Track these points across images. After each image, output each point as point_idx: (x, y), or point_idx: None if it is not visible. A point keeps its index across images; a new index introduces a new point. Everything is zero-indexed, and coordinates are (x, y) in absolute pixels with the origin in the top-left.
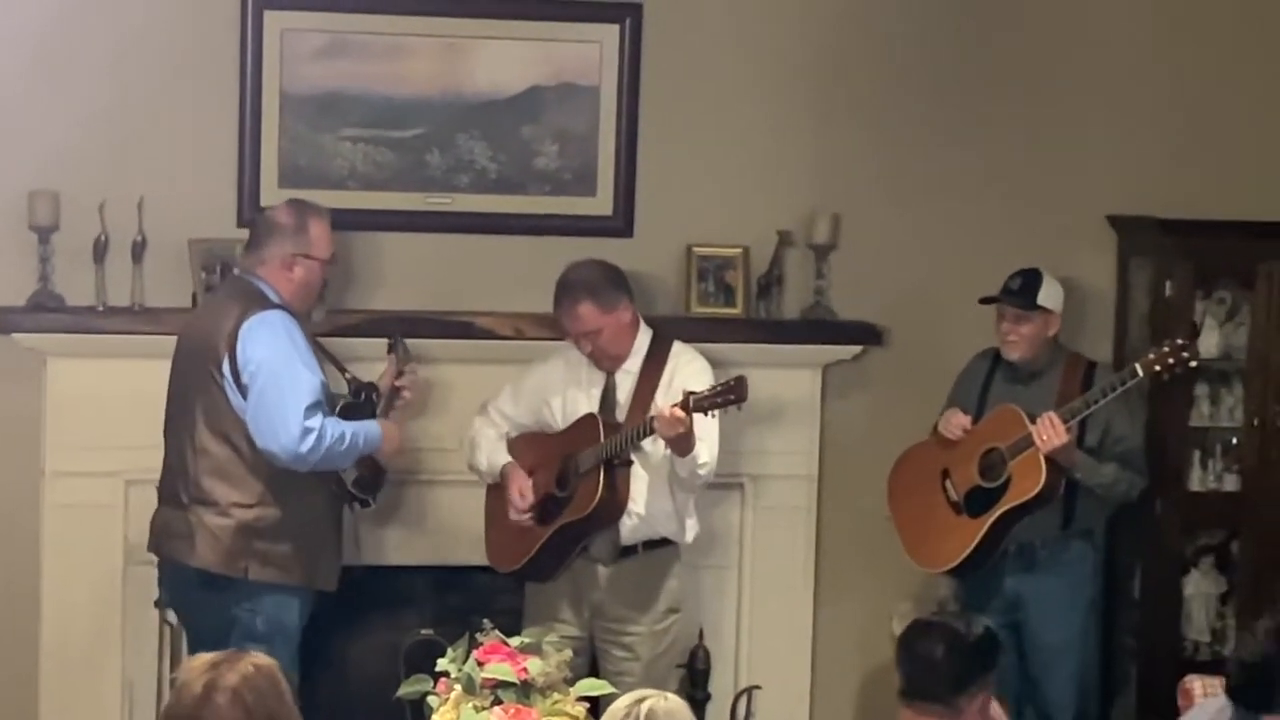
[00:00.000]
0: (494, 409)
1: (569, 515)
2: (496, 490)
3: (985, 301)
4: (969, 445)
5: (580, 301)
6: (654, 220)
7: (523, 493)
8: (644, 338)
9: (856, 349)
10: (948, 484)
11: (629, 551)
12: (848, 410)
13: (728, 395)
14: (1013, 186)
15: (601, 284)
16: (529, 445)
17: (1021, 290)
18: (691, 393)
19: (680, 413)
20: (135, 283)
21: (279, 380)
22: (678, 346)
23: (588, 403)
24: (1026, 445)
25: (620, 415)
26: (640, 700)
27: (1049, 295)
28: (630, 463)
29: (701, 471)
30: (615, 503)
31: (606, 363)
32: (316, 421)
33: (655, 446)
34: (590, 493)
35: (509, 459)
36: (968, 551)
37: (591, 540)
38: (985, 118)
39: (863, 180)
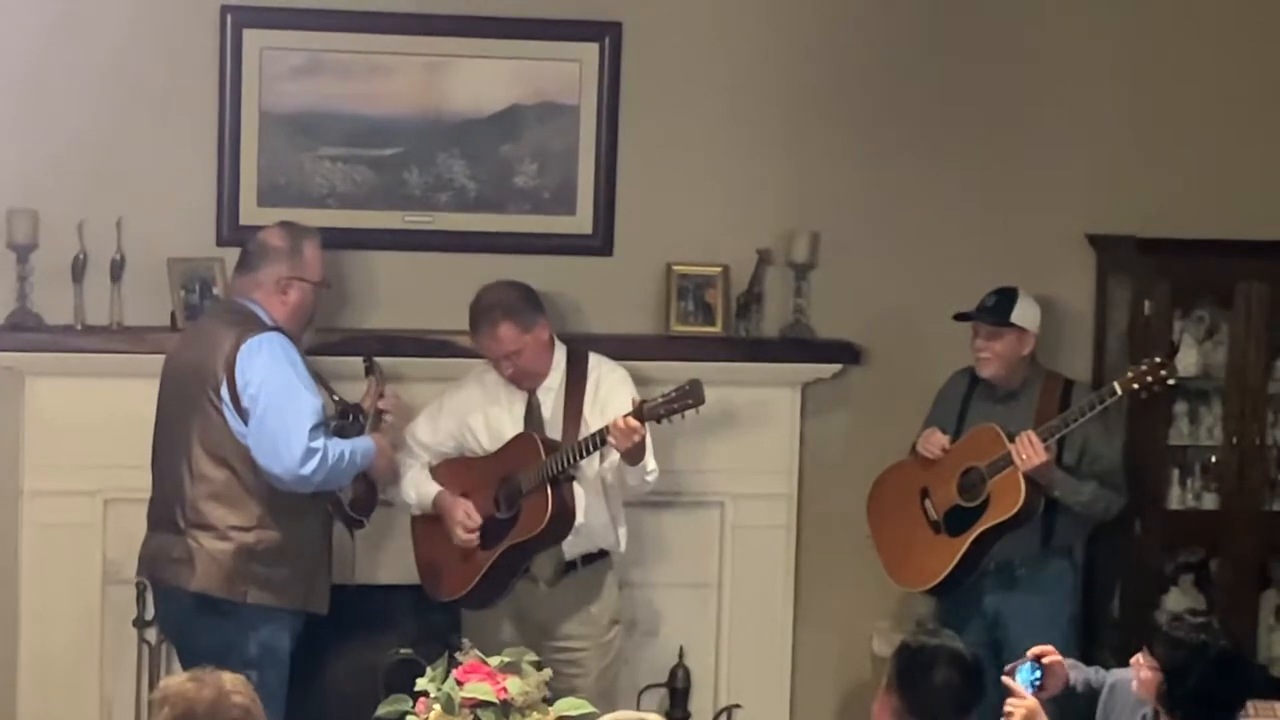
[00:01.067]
0: (412, 439)
1: (518, 535)
2: (424, 521)
3: (959, 318)
4: (948, 464)
5: (499, 323)
6: (634, 239)
7: (468, 514)
8: (560, 353)
9: (835, 367)
10: (927, 503)
11: (569, 567)
12: (827, 429)
13: (684, 400)
14: (992, 205)
15: (518, 304)
16: (456, 472)
17: (995, 307)
18: (644, 401)
19: (635, 422)
20: (114, 302)
21: (281, 403)
22: (594, 358)
23: (511, 422)
24: (1005, 464)
25: (548, 432)
26: None
27: (1023, 313)
28: (573, 477)
29: (650, 479)
30: (565, 518)
31: (528, 381)
32: (320, 442)
33: (590, 459)
34: (540, 510)
35: (438, 488)
36: (948, 571)
37: (533, 560)
38: (964, 136)
39: (842, 199)
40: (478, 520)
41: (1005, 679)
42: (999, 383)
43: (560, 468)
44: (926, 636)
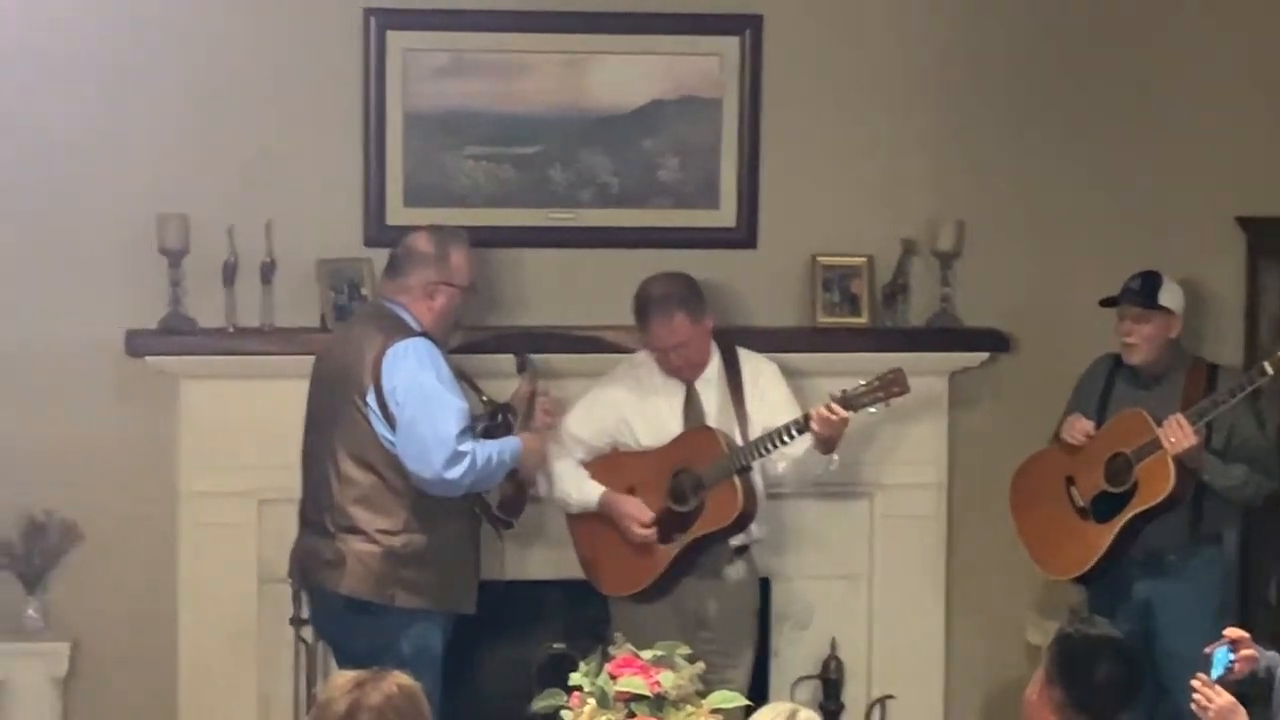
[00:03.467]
0: (566, 435)
1: (703, 528)
2: (588, 519)
3: (1105, 303)
4: (1093, 451)
5: (674, 314)
6: (777, 231)
7: (641, 510)
8: (713, 344)
9: (983, 355)
10: (1073, 490)
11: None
12: (976, 417)
13: (890, 389)
14: (1139, 189)
15: (690, 295)
16: (617, 467)
17: (1142, 290)
18: (846, 390)
19: (843, 410)
20: (265, 304)
21: (429, 408)
22: (742, 351)
23: (671, 414)
24: (1154, 448)
25: (711, 423)
26: (795, 712)
27: (1170, 295)
28: (751, 469)
29: (833, 467)
30: (753, 510)
31: (689, 372)
32: (468, 445)
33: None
34: (729, 502)
35: (601, 487)
36: (1096, 558)
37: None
38: (1110, 119)
39: (986, 186)
40: (651, 514)
41: (1197, 679)
42: (1145, 368)
43: (749, 459)
44: (1086, 627)
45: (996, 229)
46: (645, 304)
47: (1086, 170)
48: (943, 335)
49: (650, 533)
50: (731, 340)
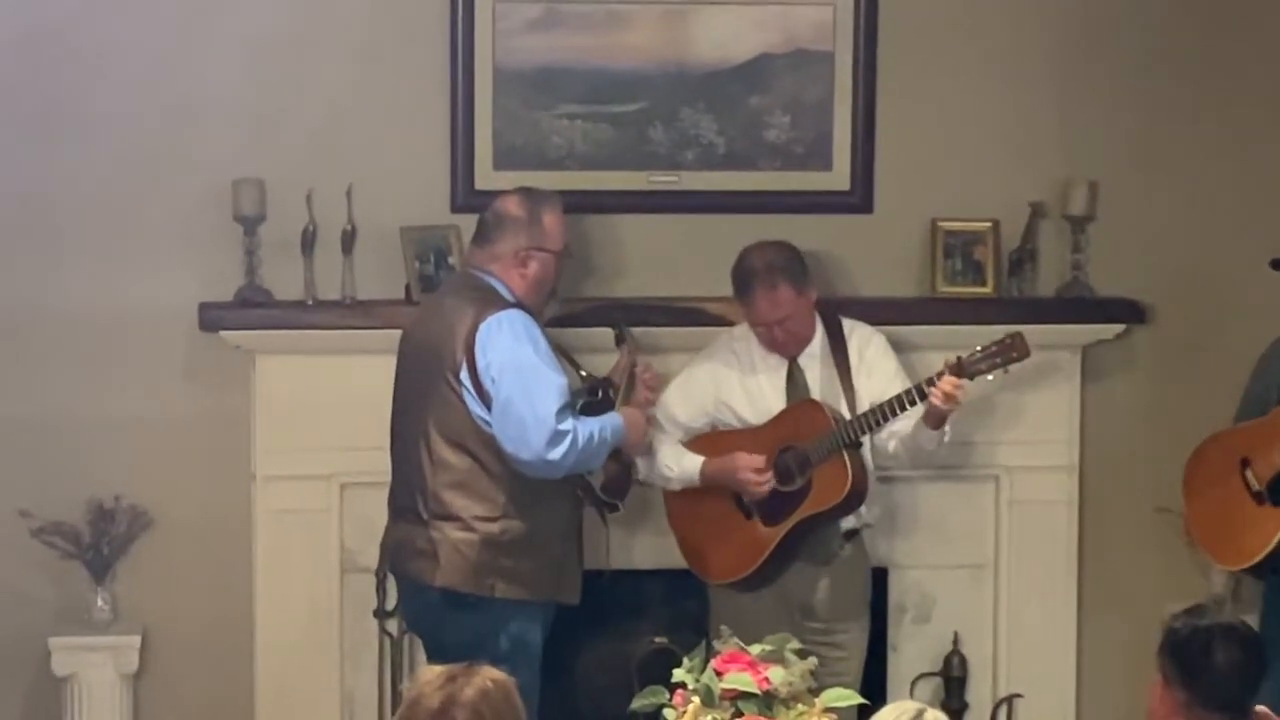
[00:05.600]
0: (662, 416)
1: (811, 507)
2: (684, 499)
3: (1276, 265)
4: (1273, 430)
5: (778, 286)
6: (895, 194)
7: (751, 458)
8: (816, 316)
9: (1119, 328)
10: (1248, 473)
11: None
12: (1111, 394)
13: (1009, 354)
14: None
15: (795, 265)
16: (717, 446)
17: None
18: (961, 356)
19: (961, 378)
20: (345, 274)
21: (526, 385)
22: (846, 322)
23: (773, 392)
24: None
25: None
26: (921, 712)
27: None
28: (861, 443)
29: (946, 440)
30: (863, 487)
31: (792, 348)
32: (569, 424)
33: None
34: (838, 479)
35: (702, 457)
36: (1272, 544)
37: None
38: (1260, 70)
39: (1121, 145)
40: (763, 458)
41: None
42: None
43: (857, 433)
44: (1192, 619)
45: (1133, 190)
46: (746, 276)
47: (1231, 126)
48: (1074, 306)
49: (769, 477)
50: (835, 311)
